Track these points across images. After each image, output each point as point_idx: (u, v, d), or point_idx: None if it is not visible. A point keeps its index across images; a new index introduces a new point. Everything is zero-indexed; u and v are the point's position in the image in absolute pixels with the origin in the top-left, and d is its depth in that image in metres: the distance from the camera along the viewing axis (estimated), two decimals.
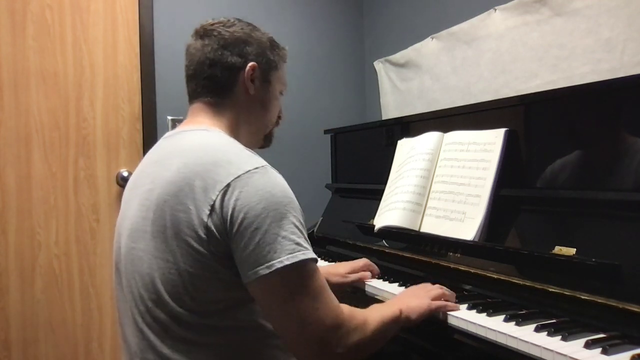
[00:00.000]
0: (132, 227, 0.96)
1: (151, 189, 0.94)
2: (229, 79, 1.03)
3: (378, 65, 2.64)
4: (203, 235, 0.86)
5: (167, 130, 2.26)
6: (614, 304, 0.92)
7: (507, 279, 1.15)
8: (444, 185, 1.42)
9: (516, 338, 0.92)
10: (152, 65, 2.23)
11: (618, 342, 0.87)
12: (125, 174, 2.18)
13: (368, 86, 2.78)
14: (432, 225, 1.41)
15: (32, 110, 2.05)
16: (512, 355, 0.92)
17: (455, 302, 1.13)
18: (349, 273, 1.39)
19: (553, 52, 1.66)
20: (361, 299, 1.34)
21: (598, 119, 1.16)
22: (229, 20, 1.07)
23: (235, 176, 0.87)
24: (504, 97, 1.73)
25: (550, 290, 1.04)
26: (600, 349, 0.84)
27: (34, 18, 2.05)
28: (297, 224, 0.88)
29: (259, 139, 1.14)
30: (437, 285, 1.15)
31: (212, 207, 0.86)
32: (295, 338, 0.87)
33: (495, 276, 1.18)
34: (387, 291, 1.29)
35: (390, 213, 1.51)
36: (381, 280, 1.40)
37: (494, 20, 1.89)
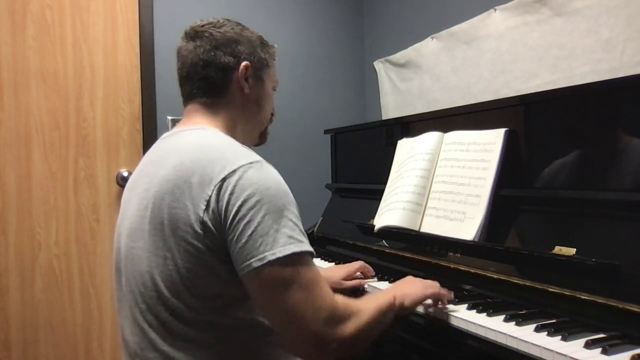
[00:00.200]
0: (131, 226, 0.97)
1: (148, 188, 0.95)
2: (223, 79, 1.04)
3: (378, 65, 2.64)
4: (199, 231, 0.86)
5: (167, 130, 2.25)
6: (614, 304, 0.92)
7: (507, 279, 1.15)
8: (444, 185, 1.42)
9: (516, 338, 0.92)
10: (152, 65, 2.23)
11: (618, 342, 0.87)
12: (125, 174, 2.18)
13: (368, 86, 2.78)
14: (432, 225, 1.41)
15: (32, 110, 2.05)
16: (512, 355, 0.92)
17: (455, 301, 1.13)
18: (345, 278, 1.40)
19: (553, 52, 1.66)
20: None
21: (598, 119, 1.16)
22: (218, 21, 1.08)
23: (230, 171, 0.87)
24: (504, 97, 1.73)
25: (550, 290, 1.04)
26: (600, 349, 0.84)
27: (34, 18, 2.05)
28: (292, 217, 0.88)
29: (255, 137, 1.15)
30: (428, 281, 1.16)
31: (208, 202, 0.86)
32: (290, 332, 0.87)
33: (495, 276, 1.18)
34: None
35: (390, 213, 1.51)
36: (381, 280, 1.40)
37: (494, 20, 1.89)
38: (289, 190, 0.91)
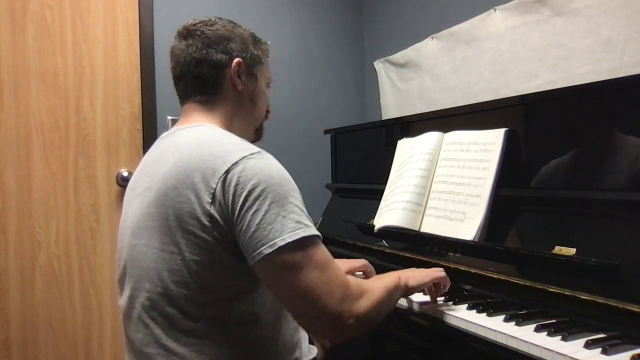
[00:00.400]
0: (134, 225, 0.98)
1: (150, 186, 0.96)
2: (216, 76, 1.06)
3: (378, 65, 2.64)
4: (207, 223, 0.88)
5: (167, 130, 2.25)
6: (614, 304, 0.92)
7: (507, 279, 1.15)
8: (444, 185, 1.42)
9: (516, 338, 0.92)
10: (152, 65, 2.23)
11: (618, 342, 0.87)
12: (125, 174, 2.18)
13: (368, 86, 2.78)
14: (432, 225, 1.41)
15: (32, 110, 2.05)
16: (512, 355, 0.92)
17: (455, 301, 1.13)
18: (347, 272, 1.39)
19: (553, 52, 1.66)
20: None
21: (598, 119, 1.16)
22: (210, 19, 1.10)
23: (232, 163, 0.89)
24: (504, 97, 1.73)
25: (550, 290, 1.04)
26: (600, 349, 0.84)
27: (34, 18, 2.04)
28: (297, 202, 0.90)
29: (250, 133, 1.16)
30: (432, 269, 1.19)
31: (213, 194, 0.88)
32: (307, 313, 0.88)
33: (495, 276, 1.18)
34: None
35: (390, 213, 1.51)
36: None
37: (494, 20, 1.89)
38: (291, 178, 0.93)
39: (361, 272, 1.42)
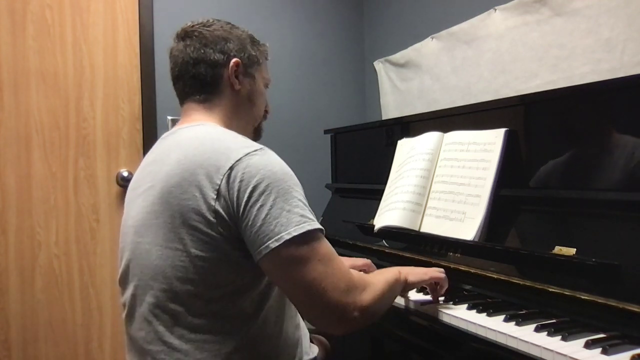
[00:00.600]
0: (137, 223, 0.99)
1: (153, 185, 0.97)
2: (214, 75, 1.07)
3: (378, 65, 2.64)
4: (212, 219, 0.89)
5: (167, 130, 2.25)
6: (614, 304, 0.92)
7: (507, 279, 1.15)
8: (444, 185, 1.42)
9: (516, 338, 0.92)
10: (152, 65, 2.23)
11: (618, 342, 0.87)
12: (125, 174, 2.18)
13: (368, 86, 2.78)
14: (432, 225, 1.41)
15: (32, 110, 2.05)
16: (512, 355, 0.92)
17: (455, 301, 1.13)
18: None
19: (553, 52, 1.66)
20: None
21: (598, 119, 1.16)
22: (208, 21, 1.12)
23: (236, 159, 0.90)
24: (504, 97, 1.73)
25: (550, 290, 1.04)
26: (600, 349, 0.84)
27: (34, 18, 2.05)
28: (300, 197, 0.92)
29: (249, 133, 1.17)
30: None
31: (218, 191, 0.89)
32: (313, 305, 0.89)
33: (495, 276, 1.18)
34: None
35: (390, 213, 1.51)
36: None
37: (494, 20, 1.89)
38: (293, 173, 0.94)
39: (363, 271, 1.42)
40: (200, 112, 1.07)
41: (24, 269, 2.03)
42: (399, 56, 2.46)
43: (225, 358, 0.92)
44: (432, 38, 2.22)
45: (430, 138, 1.53)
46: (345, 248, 1.74)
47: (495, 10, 1.88)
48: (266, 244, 0.86)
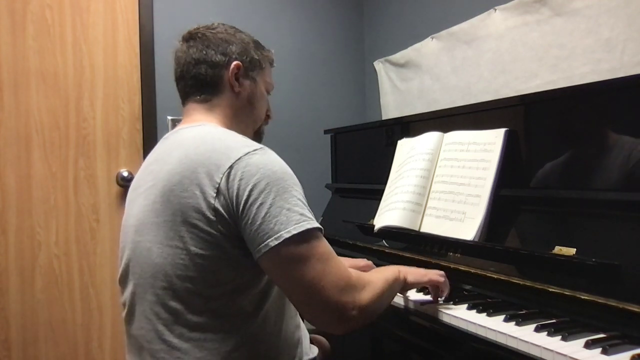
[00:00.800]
0: (138, 222, 1.00)
1: (154, 184, 0.98)
2: (214, 76, 1.08)
3: (378, 65, 2.64)
4: (212, 217, 0.89)
5: (167, 130, 2.26)
6: (614, 304, 0.92)
7: (507, 279, 1.15)
8: (444, 185, 1.42)
9: (516, 338, 0.92)
10: (152, 65, 2.23)
11: (618, 342, 0.87)
12: (125, 174, 2.17)
13: (368, 86, 2.78)
14: (432, 225, 1.41)
15: (32, 110, 2.05)
16: (512, 355, 0.92)
17: (455, 301, 1.13)
18: None
19: (553, 52, 1.66)
20: None
21: (598, 119, 1.16)
22: (212, 24, 1.13)
23: (236, 158, 0.91)
24: (504, 97, 1.73)
25: (550, 290, 1.04)
26: (600, 349, 0.84)
27: (34, 18, 2.05)
28: (299, 196, 0.92)
29: (250, 135, 1.17)
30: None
31: (218, 189, 0.89)
32: (312, 304, 0.90)
33: (495, 276, 1.18)
34: None
35: (390, 213, 1.51)
36: None
37: (494, 20, 1.89)
38: (292, 173, 0.95)
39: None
40: (201, 112, 1.08)
41: (24, 269, 2.03)
42: (399, 56, 2.46)
43: (225, 357, 0.92)
44: (432, 38, 2.22)
45: (430, 138, 1.53)
46: (345, 248, 1.74)
47: (495, 10, 1.88)
48: (266, 242, 0.87)
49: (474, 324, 1.02)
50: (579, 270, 1.01)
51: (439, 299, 1.17)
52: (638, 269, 0.94)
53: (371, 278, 0.98)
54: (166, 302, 0.93)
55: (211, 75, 1.08)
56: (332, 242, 1.91)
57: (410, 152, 1.58)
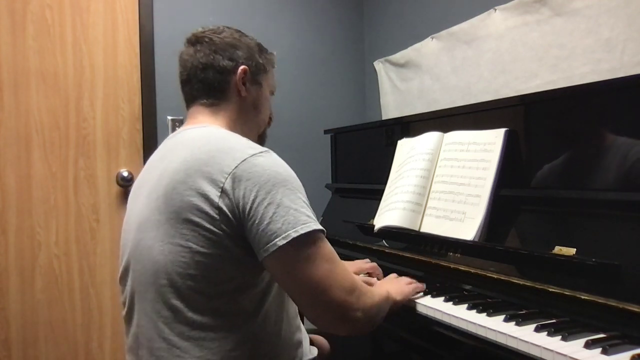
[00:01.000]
0: (140, 220, 1.00)
1: (158, 182, 0.98)
2: (222, 81, 1.09)
3: (378, 65, 2.64)
4: (215, 216, 0.90)
5: (167, 130, 2.26)
6: (614, 304, 0.92)
7: (507, 279, 1.15)
8: (444, 185, 1.42)
9: (516, 338, 0.92)
10: (152, 65, 2.23)
11: (618, 342, 0.87)
12: (125, 173, 2.17)
13: (368, 86, 2.78)
14: (432, 225, 1.41)
15: (32, 110, 2.05)
16: (512, 355, 0.92)
17: (455, 301, 1.14)
18: (355, 273, 1.41)
19: (553, 52, 1.66)
20: None
21: (598, 119, 1.16)
22: (218, 28, 1.14)
23: (241, 160, 0.92)
24: (504, 97, 1.73)
25: (550, 290, 1.04)
26: (600, 349, 0.84)
27: (34, 18, 2.05)
28: (304, 199, 0.94)
29: (254, 139, 1.18)
30: (404, 277, 1.26)
31: (222, 189, 0.90)
32: (317, 305, 0.91)
33: (495, 276, 1.18)
34: None
35: (390, 213, 1.51)
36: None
37: (494, 20, 1.89)
38: (296, 176, 0.96)
39: (369, 274, 1.43)
40: (206, 115, 1.09)
41: (24, 269, 2.03)
42: (399, 56, 2.46)
43: (225, 356, 0.93)
44: (432, 38, 2.22)
45: (430, 138, 1.53)
46: (345, 248, 1.74)
47: (495, 10, 1.88)
48: (273, 242, 0.88)
49: (474, 324, 1.02)
50: (579, 270, 1.01)
51: (439, 298, 1.17)
52: (638, 269, 0.94)
53: (369, 287, 1.01)
54: (167, 300, 0.93)
55: (219, 80, 1.09)
56: (332, 242, 1.90)
57: (410, 152, 1.58)
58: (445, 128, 1.52)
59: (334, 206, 2.07)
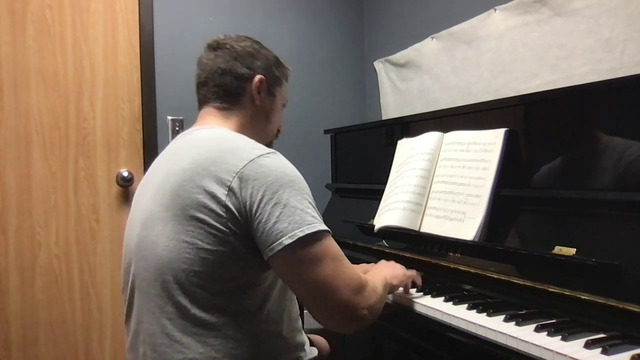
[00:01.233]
0: (145, 216, 1.01)
1: (165, 180, 0.99)
2: (238, 88, 1.13)
3: (378, 65, 2.64)
4: (222, 214, 0.91)
5: (167, 130, 2.26)
6: (614, 304, 0.92)
7: (507, 279, 1.15)
8: (444, 185, 1.42)
9: (516, 338, 0.92)
10: (152, 65, 2.23)
11: (618, 342, 0.87)
12: (125, 173, 2.17)
13: (368, 86, 2.78)
14: (432, 225, 1.41)
15: (32, 110, 2.05)
16: (512, 355, 0.92)
17: (455, 301, 1.14)
18: None
19: (553, 52, 1.66)
20: None
21: (597, 119, 1.16)
22: (239, 37, 1.18)
23: (249, 160, 0.93)
24: (504, 97, 1.73)
25: (550, 290, 1.04)
26: (600, 349, 0.84)
27: (34, 18, 2.05)
28: (310, 200, 0.95)
29: None
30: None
31: (229, 188, 0.91)
32: (324, 303, 0.92)
33: (495, 276, 1.18)
34: None
35: (390, 213, 1.51)
36: None
37: (494, 20, 1.89)
38: (302, 177, 0.97)
39: None
40: (218, 117, 1.12)
41: (24, 269, 2.03)
42: (399, 56, 2.46)
43: (227, 354, 0.93)
44: (432, 38, 2.22)
45: (430, 138, 1.53)
46: (345, 248, 1.72)
47: (495, 10, 1.88)
48: (280, 241, 0.88)
49: (474, 324, 1.02)
50: (579, 270, 1.01)
51: (439, 298, 1.18)
52: (638, 269, 0.94)
53: (372, 279, 1.02)
54: (171, 296, 0.94)
55: (235, 86, 1.12)
56: None
57: (410, 152, 1.58)
58: (445, 128, 1.52)
59: (334, 206, 2.07)
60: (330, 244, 0.93)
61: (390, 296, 1.24)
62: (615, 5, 1.47)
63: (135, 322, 1.01)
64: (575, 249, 1.04)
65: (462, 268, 1.27)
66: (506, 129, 1.30)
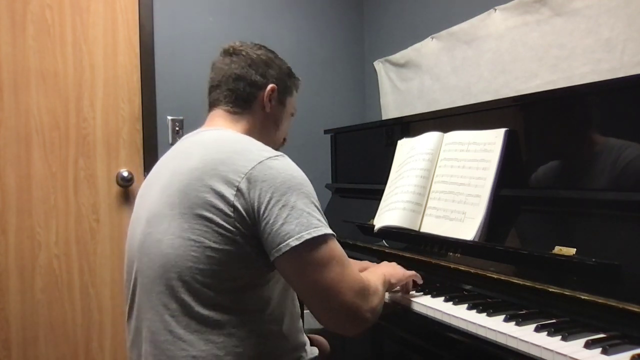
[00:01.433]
0: (150, 214, 1.01)
1: (172, 179, 1.00)
2: (250, 93, 1.15)
3: (378, 65, 2.64)
4: (230, 213, 0.92)
5: (167, 130, 2.26)
6: (614, 304, 0.92)
7: (507, 279, 1.15)
8: (444, 185, 1.42)
9: (516, 338, 0.92)
10: (152, 65, 2.23)
11: (618, 342, 0.87)
12: (125, 173, 2.17)
13: (368, 86, 2.78)
14: (432, 225, 1.41)
15: (32, 110, 2.05)
16: (512, 355, 0.92)
17: (456, 301, 1.14)
18: None
19: (553, 52, 1.66)
20: None
21: (598, 119, 1.16)
22: (255, 45, 1.20)
23: (258, 162, 0.95)
24: (504, 97, 1.73)
25: (550, 290, 1.04)
26: (600, 349, 0.84)
27: (34, 18, 2.05)
28: (317, 204, 0.98)
29: None
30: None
31: (238, 188, 0.92)
32: (328, 306, 0.93)
33: (495, 276, 1.18)
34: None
35: (390, 213, 1.51)
36: None
37: (494, 20, 1.89)
38: (309, 181, 0.99)
39: None
40: (227, 120, 1.14)
41: (24, 269, 2.03)
42: (399, 56, 2.46)
43: (229, 352, 0.93)
44: (432, 38, 2.22)
45: (430, 138, 1.53)
46: (345, 248, 1.71)
47: (495, 10, 1.88)
48: (286, 242, 0.90)
49: (474, 324, 1.02)
50: (579, 270, 1.01)
51: (439, 298, 1.18)
52: (638, 269, 0.94)
53: (374, 280, 1.03)
54: (176, 294, 0.94)
55: (248, 92, 1.14)
56: None
57: (410, 152, 1.58)
58: (445, 128, 1.52)
59: (334, 206, 2.07)
60: (336, 247, 0.95)
61: (390, 296, 1.24)
62: (615, 5, 1.47)
63: (137, 319, 1.02)
64: (575, 249, 1.04)
65: (462, 268, 1.27)
66: (506, 129, 1.30)
